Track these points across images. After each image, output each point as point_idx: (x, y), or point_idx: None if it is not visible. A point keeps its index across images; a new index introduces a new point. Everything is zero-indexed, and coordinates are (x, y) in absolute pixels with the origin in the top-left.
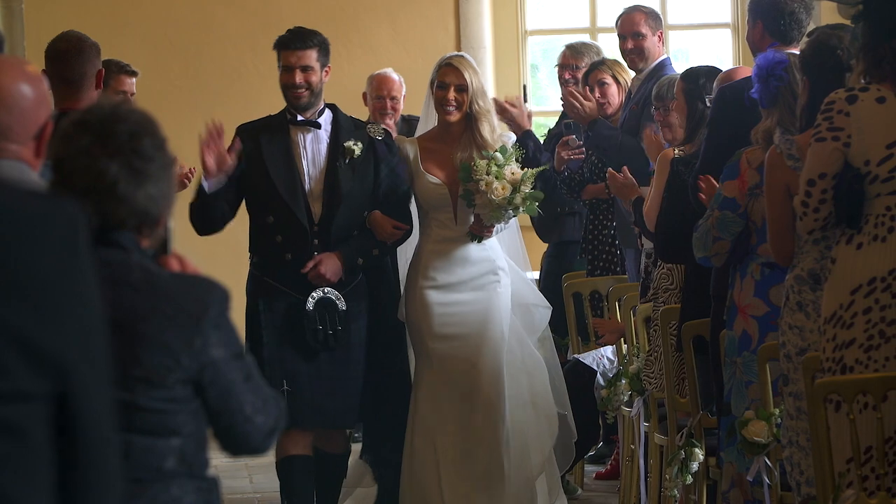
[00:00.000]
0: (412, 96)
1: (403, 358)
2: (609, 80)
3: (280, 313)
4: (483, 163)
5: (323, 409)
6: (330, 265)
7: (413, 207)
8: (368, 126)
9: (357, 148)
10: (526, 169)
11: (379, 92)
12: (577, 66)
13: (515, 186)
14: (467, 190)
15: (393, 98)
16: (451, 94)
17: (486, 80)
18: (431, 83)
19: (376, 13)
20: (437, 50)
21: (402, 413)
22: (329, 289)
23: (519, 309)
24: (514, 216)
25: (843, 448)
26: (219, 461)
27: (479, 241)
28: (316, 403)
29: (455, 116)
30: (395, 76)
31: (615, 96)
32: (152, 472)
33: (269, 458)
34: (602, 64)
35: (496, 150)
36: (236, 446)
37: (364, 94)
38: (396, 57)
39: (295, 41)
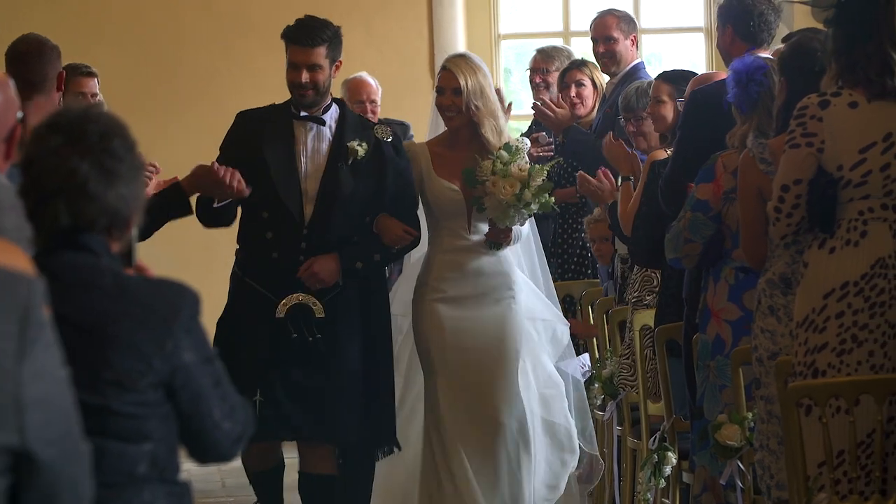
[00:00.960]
0: (387, 101)
1: (389, 371)
2: (586, 81)
3: (256, 317)
4: (487, 163)
5: (299, 422)
6: (325, 266)
7: (421, 216)
8: (376, 127)
9: (361, 149)
10: (534, 164)
11: (358, 97)
12: (548, 69)
13: (524, 183)
14: (476, 196)
15: (372, 101)
16: (448, 99)
17: None
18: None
19: (350, 17)
20: (412, 54)
21: (384, 425)
22: (305, 295)
23: (540, 325)
24: (529, 215)
25: (815, 452)
26: (191, 465)
27: (499, 249)
28: (286, 415)
29: (455, 122)
30: (370, 80)
31: (590, 98)
32: (124, 478)
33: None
34: (583, 65)
35: (501, 149)
36: (204, 451)
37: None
38: (370, 61)
39: (303, 37)
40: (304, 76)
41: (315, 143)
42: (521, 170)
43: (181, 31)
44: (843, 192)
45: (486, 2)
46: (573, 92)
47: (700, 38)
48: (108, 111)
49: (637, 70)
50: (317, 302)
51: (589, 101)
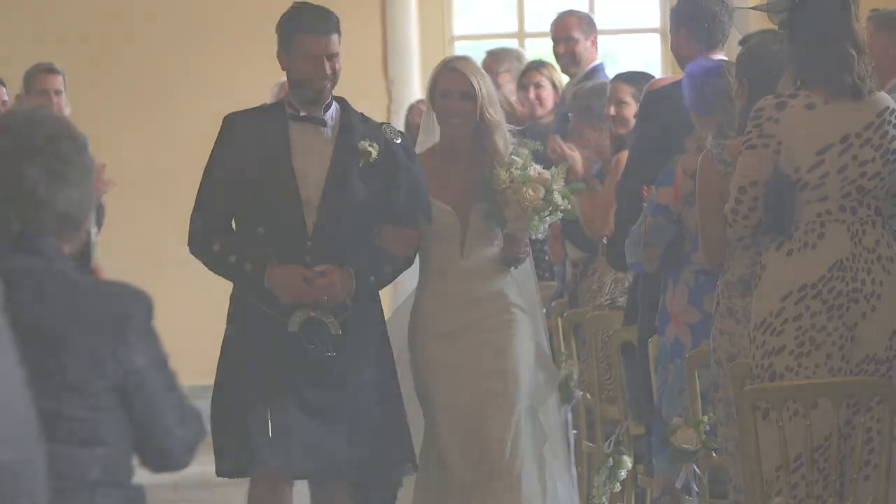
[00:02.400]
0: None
1: (398, 388)
2: (545, 82)
3: (264, 339)
4: (502, 171)
5: (318, 454)
6: (342, 279)
7: None
8: (384, 126)
9: (373, 150)
10: (553, 166)
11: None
12: (497, 71)
13: (547, 186)
14: (491, 209)
15: None
16: (457, 104)
17: (413, 86)
18: (431, 91)
19: None
20: (363, 55)
21: (402, 445)
22: (318, 310)
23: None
24: (554, 220)
25: (772, 455)
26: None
27: (517, 266)
28: (305, 446)
29: (460, 129)
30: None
31: (549, 99)
32: (77, 482)
33: (195, 468)
34: (542, 65)
35: (511, 155)
36: (157, 458)
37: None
38: None
39: (319, 24)
40: (328, 67)
41: (316, 146)
42: (539, 173)
43: (133, 34)
44: (801, 194)
45: (439, 3)
46: (532, 93)
47: (656, 38)
48: (54, 113)
49: (596, 71)
50: (331, 318)
51: (548, 103)
